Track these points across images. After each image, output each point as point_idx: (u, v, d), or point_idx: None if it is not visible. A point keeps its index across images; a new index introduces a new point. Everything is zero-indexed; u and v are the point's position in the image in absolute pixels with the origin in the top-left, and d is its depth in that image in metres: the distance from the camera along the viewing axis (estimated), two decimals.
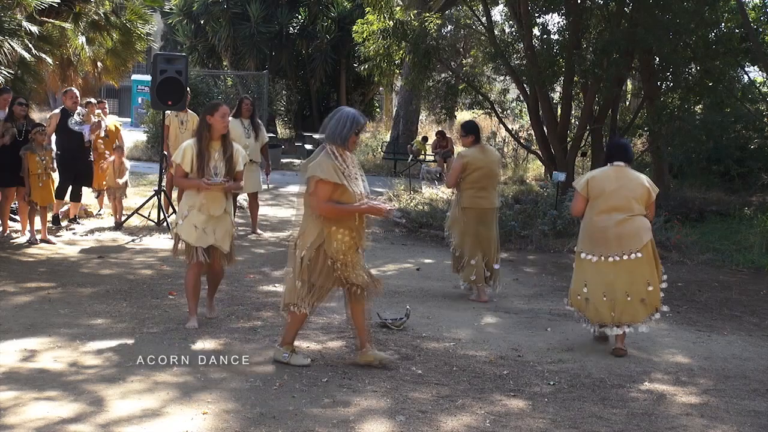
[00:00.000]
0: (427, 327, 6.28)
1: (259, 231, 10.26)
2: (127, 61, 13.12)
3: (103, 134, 10.31)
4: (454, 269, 7.51)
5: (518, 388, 4.92)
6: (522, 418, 4.40)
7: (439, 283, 7.99)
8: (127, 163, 10.60)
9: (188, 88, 10.28)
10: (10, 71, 9.62)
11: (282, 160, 19.95)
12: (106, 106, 11.09)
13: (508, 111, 22.61)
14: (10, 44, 9.35)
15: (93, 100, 10.65)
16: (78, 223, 10.12)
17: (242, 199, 11.41)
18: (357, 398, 4.57)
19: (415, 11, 15.89)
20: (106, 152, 10.50)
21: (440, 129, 21.80)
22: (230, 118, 9.94)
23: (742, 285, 8.76)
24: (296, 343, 5.60)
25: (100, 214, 10.96)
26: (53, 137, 9.63)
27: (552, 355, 5.69)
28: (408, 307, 6.47)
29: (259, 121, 10.23)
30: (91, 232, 9.75)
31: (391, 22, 14.93)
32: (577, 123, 14.53)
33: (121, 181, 10.27)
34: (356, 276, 4.96)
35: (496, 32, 15.79)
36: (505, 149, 21.24)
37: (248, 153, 9.78)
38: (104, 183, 10.46)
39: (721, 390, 5.12)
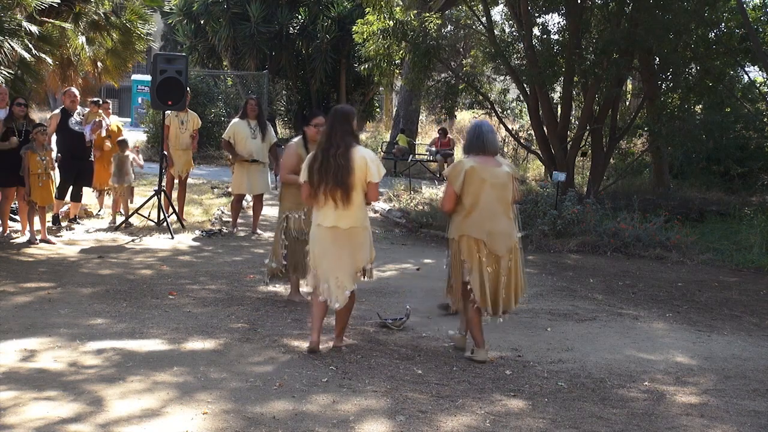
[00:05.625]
0: (427, 327, 6.28)
1: (259, 231, 10.26)
2: (127, 61, 13.11)
3: (104, 134, 10.32)
4: None
5: (518, 388, 4.92)
6: (522, 418, 4.40)
7: (440, 283, 7.94)
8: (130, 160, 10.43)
9: (188, 88, 10.28)
10: (10, 71, 9.62)
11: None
12: (110, 107, 11.10)
13: (508, 111, 22.61)
14: (10, 44, 9.35)
15: (99, 100, 10.69)
16: (78, 223, 10.12)
17: (248, 199, 11.42)
18: (357, 398, 4.57)
19: (415, 11, 15.88)
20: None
21: (442, 126, 21.75)
22: (236, 119, 10.04)
23: (742, 285, 8.76)
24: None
25: (100, 214, 10.97)
26: (54, 137, 9.64)
27: (552, 355, 5.69)
28: (408, 307, 6.47)
29: (267, 122, 10.23)
30: (90, 231, 9.77)
31: (391, 22, 14.93)
32: (577, 123, 14.53)
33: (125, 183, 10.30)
34: None
35: (496, 32, 15.79)
36: (505, 149, 21.25)
37: (254, 154, 9.83)
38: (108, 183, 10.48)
39: (721, 390, 5.12)
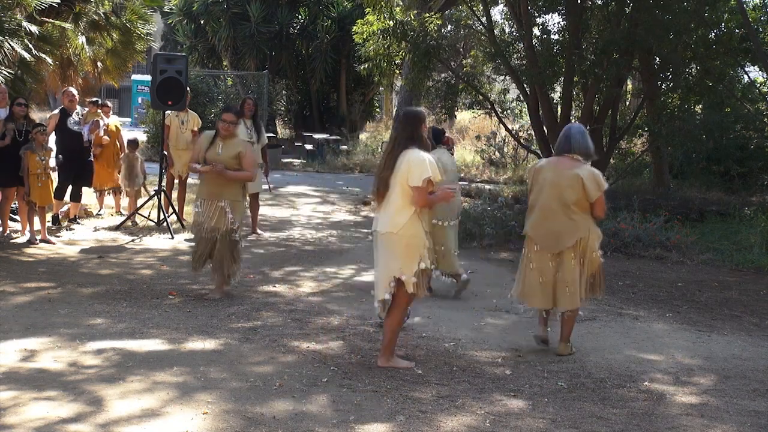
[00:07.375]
0: (427, 327, 6.28)
1: (259, 231, 10.26)
2: (127, 61, 13.11)
3: (102, 134, 10.32)
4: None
5: (518, 388, 4.92)
6: (522, 418, 4.40)
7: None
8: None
9: (188, 88, 10.28)
10: (10, 71, 9.62)
11: (282, 159, 19.95)
12: (111, 111, 11.11)
13: (508, 111, 22.61)
14: (10, 44, 9.35)
15: (98, 100, 10.68)
16: (78, 223, 10.12)
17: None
18: (357, 398, 4.57)
19: (415, 11, 15.88)
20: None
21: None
22: None
23: (742, 285, 8.76)
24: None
25: (100, 214, 10.97)
26: (53, 137, 9.64)
27: (552, 355, 5.69)
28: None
29: (260, 123, 10.21)
30: (96, 229, 9.77)
31: (391, 22, 14.92)
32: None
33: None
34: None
35: (496, 32, 15.79)
36: (505, 149, 21.24)
37: None
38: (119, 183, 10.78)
39: (721, 390, 5.12)
